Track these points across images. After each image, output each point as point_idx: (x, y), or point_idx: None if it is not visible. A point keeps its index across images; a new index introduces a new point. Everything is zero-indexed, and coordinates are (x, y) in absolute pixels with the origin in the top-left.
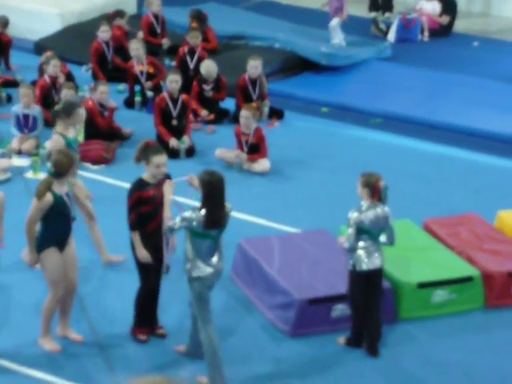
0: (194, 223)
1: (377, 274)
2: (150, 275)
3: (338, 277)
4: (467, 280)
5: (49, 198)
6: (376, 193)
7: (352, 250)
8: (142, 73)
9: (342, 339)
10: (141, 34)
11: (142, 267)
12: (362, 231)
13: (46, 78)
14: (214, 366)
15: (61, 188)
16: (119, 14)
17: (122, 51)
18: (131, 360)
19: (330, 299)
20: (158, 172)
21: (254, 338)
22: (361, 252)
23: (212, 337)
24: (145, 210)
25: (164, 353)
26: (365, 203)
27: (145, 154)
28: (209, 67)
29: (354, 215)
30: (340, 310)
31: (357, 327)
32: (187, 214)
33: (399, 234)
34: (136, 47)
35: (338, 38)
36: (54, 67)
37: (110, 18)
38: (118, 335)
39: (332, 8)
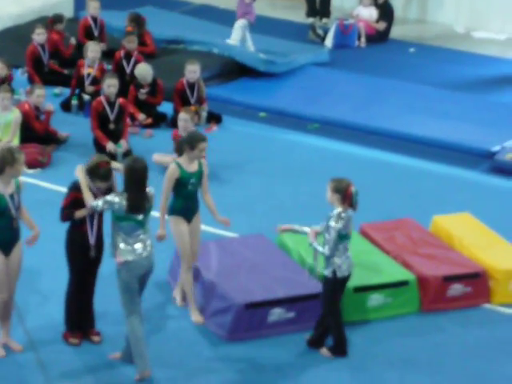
0: (116, 206)
1: (348, 280)
2: (79, 271)
3: (276, 281)
4: (403, 284)
5: None
6: (347, 198)
7: (331, 256)
8: (88, 75)
9: (324, 350)
10: (73, 40)
11: (72, 263)
12: (340, 237)
13: None
14: (139, 356)
15: (3, 188)
16: (59, 18)
17: (57, 55)
18: (67, 366)
19: (267, 303)
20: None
21: (190, 343)
22: (337, 259)
23: (135, 327)
24: (78, 210)
25: (100, 358)
26: (338, 209)
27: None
28: (143, 71)
29: (337, 225)
30: (277, 314)
31: (339, 334)
32: (109, 197)
33: None
34: (94, 49)
35: (235, 38)
36: None
37: (49, 23)
38: (54, 341)
39: (239, 11)
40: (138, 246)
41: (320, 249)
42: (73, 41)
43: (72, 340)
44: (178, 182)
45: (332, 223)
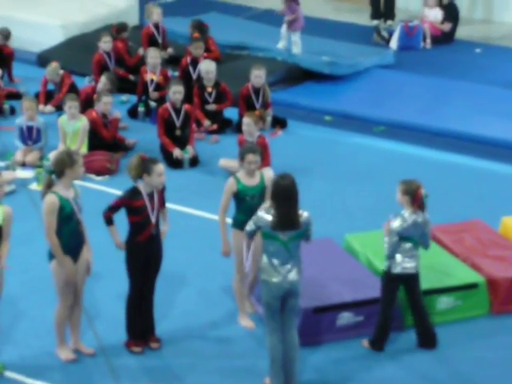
0: (263, 222)
1: (413, 278)
2: (139, 281)
3: (344, 285)
4: (472, 287)
5: (53, 199)
6: (417, 200)
7: (392, 257)
8: (152, 81)
9: (365, 341)
10: (141, 51)
11: (132, 272)
12: (403, 238)
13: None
14: (273, 375)
15: (66, 192)
16: (123, 27)
17: (122, 64)
18: (136, 370)
19: (335, 307)
20: (160, 181)
21: (259, 347)
22: (398, 256)
23: (274, 346)
24: (135, 219)
25: (165, 362)
26: (406, 211)
27: (144, 166)
28: (208, 66)
29: (396, 224)
30: (346, 318)
31: (381, 329)
32: (260, 212)
33: None
34: (154, 55)
35: (298, 49)
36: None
37: (114, 31)
38: (123, 345)
39: (288, 20)
40: (283, 269)
41: (385, 246)
42: (141, 51)
43: (135, 348)
44: (236, 195)
45: (393, 224)
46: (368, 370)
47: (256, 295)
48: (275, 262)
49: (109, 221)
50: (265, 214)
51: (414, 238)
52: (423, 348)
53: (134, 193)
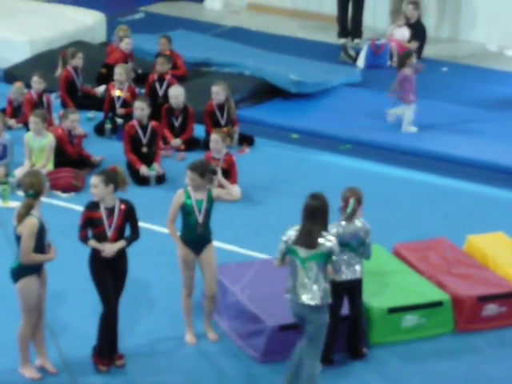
0: (287, 237)
1: (356, 285)
2: (110, 296)
3: None
4: (437, 305)
5: (35, 222)
6: (344, 207)
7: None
8: (118, 98)
9: None
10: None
11: (102, 290)
12: (342, 244)
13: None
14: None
15: (38, 213)
16: (74, 53)
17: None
18: None
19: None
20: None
21: (225, 366)
22: (342, 263)
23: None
24: (93, 232)
25: (130, 379)
26: (343, 217)
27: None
28: (178, 95)
29: (333, 230)
30: None
31: (327, 341)
32: (289, 230)
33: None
34: (119, 72)
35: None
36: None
37: (63, 57)
38: (87, 362)
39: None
40: (299, 285)
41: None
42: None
43: (101, 367)
44: (183, 209)
45: (331, 229)
46: None
47: (218, 310)
48: (292, 276)
49: (84, 240)
50: (291, 230)
51: (351, 244)
52: (353, 359)
53: (92, 205)
